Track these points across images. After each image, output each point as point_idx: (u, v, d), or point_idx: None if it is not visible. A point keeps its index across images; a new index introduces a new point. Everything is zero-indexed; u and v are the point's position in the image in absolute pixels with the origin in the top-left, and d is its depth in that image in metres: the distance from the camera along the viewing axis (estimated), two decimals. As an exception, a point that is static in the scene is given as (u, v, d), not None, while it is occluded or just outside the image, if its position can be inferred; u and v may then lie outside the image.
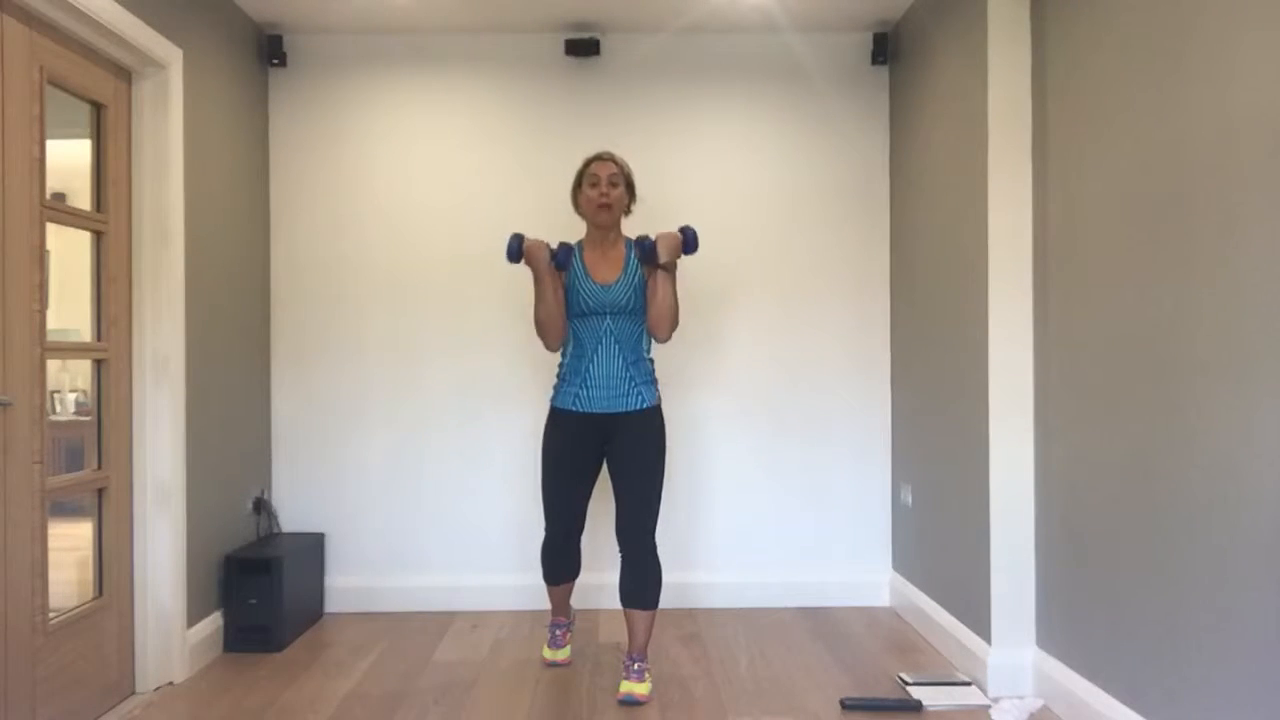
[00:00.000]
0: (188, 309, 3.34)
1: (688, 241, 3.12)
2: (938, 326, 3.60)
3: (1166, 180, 2.35)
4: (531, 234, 4.14)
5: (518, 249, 3.09)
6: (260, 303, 4.06)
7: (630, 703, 3.02)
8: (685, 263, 4.12)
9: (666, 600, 4.11)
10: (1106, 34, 2.63)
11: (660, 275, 3.10)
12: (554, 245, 3.15)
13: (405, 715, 2.95)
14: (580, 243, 3.23)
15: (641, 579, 3.09)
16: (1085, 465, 2.76)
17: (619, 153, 4.07)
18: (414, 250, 4.19)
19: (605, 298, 3.12)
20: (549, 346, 3.19)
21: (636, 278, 3.15)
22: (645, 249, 3.09)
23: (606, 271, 3.15)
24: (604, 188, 3.12)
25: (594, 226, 3.18)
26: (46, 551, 2.66)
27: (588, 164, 3.18)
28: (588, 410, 3.12)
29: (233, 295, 3.76)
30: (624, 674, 3.10)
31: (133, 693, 3.15)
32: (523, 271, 4.12)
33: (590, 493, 3.23)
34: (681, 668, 3.37)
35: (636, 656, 3.10)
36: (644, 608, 3.09)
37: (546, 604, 4.03)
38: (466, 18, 4.01)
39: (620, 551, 3.13)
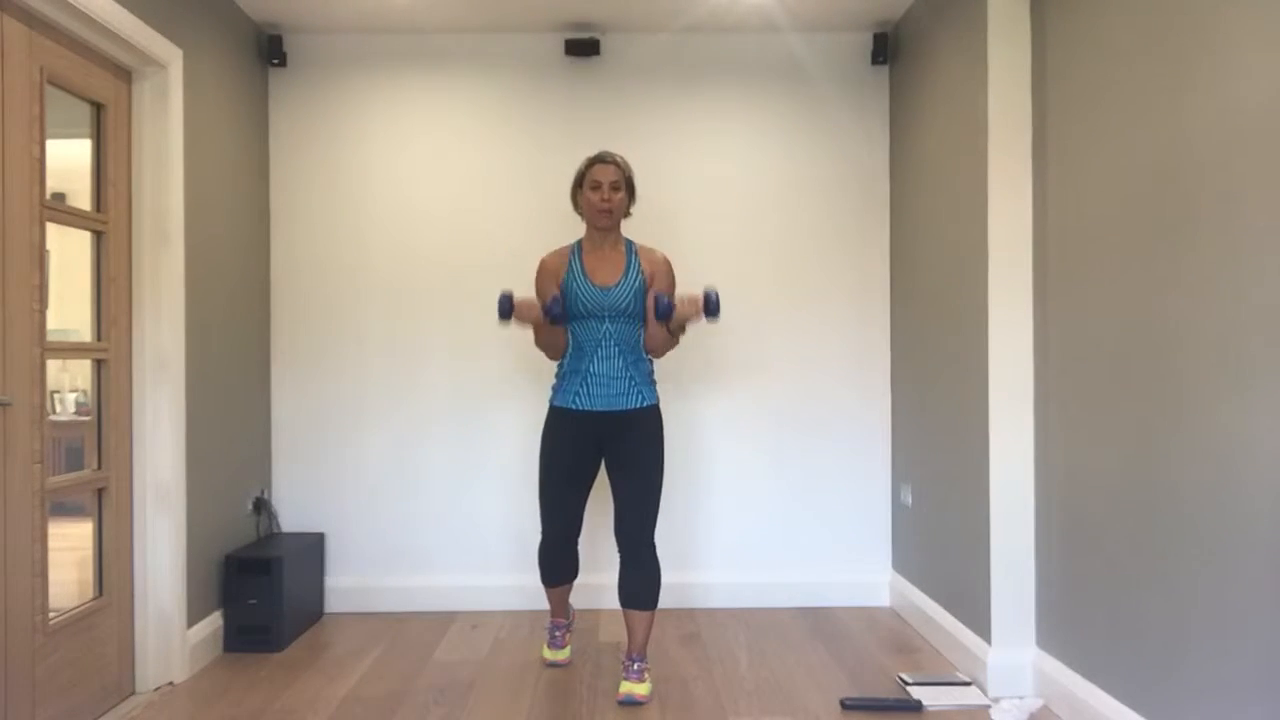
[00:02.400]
0: (188, 309, 3.34)
1: (709, 306, 2.96)
2: (938, 326, 3.60)
3: (1166, 179, 2.35)
4: (531, 234, 4.15)
5: (508, 309, 2.98)
6: (260, 303, 4.06)
7: (630, 703, 3.02)
8: (685, 262, 4.14)
9: (666, 600, 4.11)
10: (1106, 33, 2.63)
11: (661, 330, 3.09)
12: (547, 301, 3.05)
13: (405, 715, 2.95)
14: (579, 242, 3.22)
15: (640, 579, 3.08)
16: (1085, 465, 2.76)
17: (618, 150, 4.11)
18: (414, 250, 4.19)
19: (605, 301, 3.09)
20: (551, 358, 3.24)
21: (637, 281, 3.13)
22: (660, 308, 3.00)
23: (606, 274, 3.13)
24: (605, 193, 3.10)
25: (594, 230, 3.17)
26: (46, 551, 2.66)
27: (589, 165, 3.14)
28: (587, 409, 3.11)
29: (233, 295, 3.76)
30: (623, 674, 3.10)
31: (133, 693, 3.15)
32: (524, 271, 4.14)
33: (588, 493, 3.22)
34: (681, 668, 3.37)
35: (636, 657, 3.09)
36: (643, 608, 3.09)
37: (546, 604, 4.04)
38: (466, 18, 4.01)
39: (619, 552, 3.12)
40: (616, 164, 3.13)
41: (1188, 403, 2.27)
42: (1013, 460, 3.10)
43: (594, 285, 3.11)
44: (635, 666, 3.09)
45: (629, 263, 3.16)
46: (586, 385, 3.11)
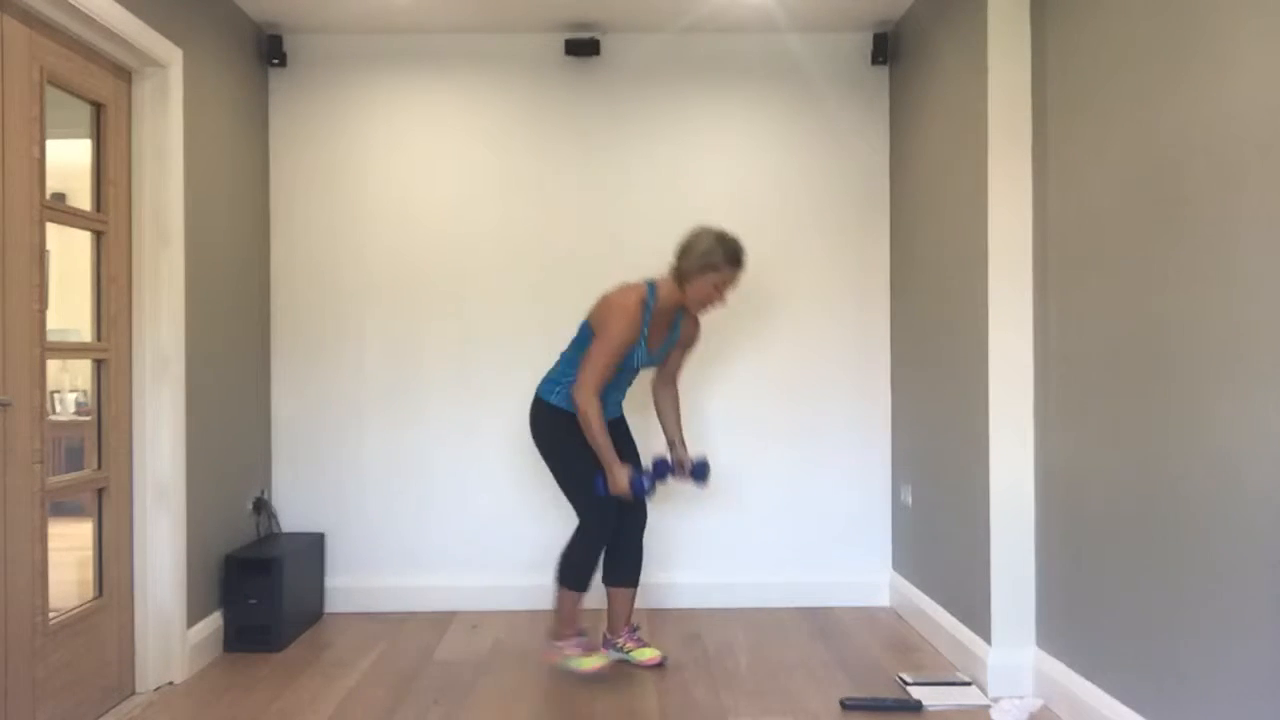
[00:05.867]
0: (188, 309, 3.34)
1: (696, 473, 3.33)
2: (938, 326, 3.60)
3: (1166, 179, 2.35)
4: (531, 233, 4.16)
5: (653, 486, 3.18)
6: (260, 303, 4.06)
7: (655, 666, 3.33)
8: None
9: (667, 600, 4.12)
10: (1107, 33, 2.63)
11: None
12: (652, 465, 3.31)
13: (405, 715, 2.95)
14: (651, 299, 3.15)
15: (637, 559, 3.38)
16: (1085, 465, 2.76)
17: (618, 150, 4.16)
18: (413, 250, 4.18)
19: (649, 362, 3.28)
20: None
21: (675, 336, 3.31)
22: (699, 472, 3.29)
23: (658, 335, 3.25)
24: (725, 295, 3.16)
25: (678, 303, 3.22)
26: (46, 551, 2.66)
27: (730, 264, 3.09)
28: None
29: (233, 295, 3.76)
30: (632, 644, 3.34)
31: (133, 693, 3.15)
32: (522, 273, 4.14)
33: None
34: (681, 668, 3.37)
35: (634, 626, 3.42)
36: (636, 585, 3.39)
37: (545, 605, 4.05)
38: (466, 18, 4.01)
39: (620, 535, 3.29)
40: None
41: (1188, 402, 2.27)
42: (1013, 460, 3.10)
43: (648, 350, 3.23)
44: (636, 635, 3.40)
45: (675, 326, 3.29)
46: (605, 405, 3.27)
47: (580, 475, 3.19)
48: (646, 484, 3.11)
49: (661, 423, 3.46)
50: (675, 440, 3.43)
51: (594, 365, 3.08)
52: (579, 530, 3.22)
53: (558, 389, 3.24)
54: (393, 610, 4.14)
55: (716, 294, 3.13)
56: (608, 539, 3.24)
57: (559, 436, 3.22)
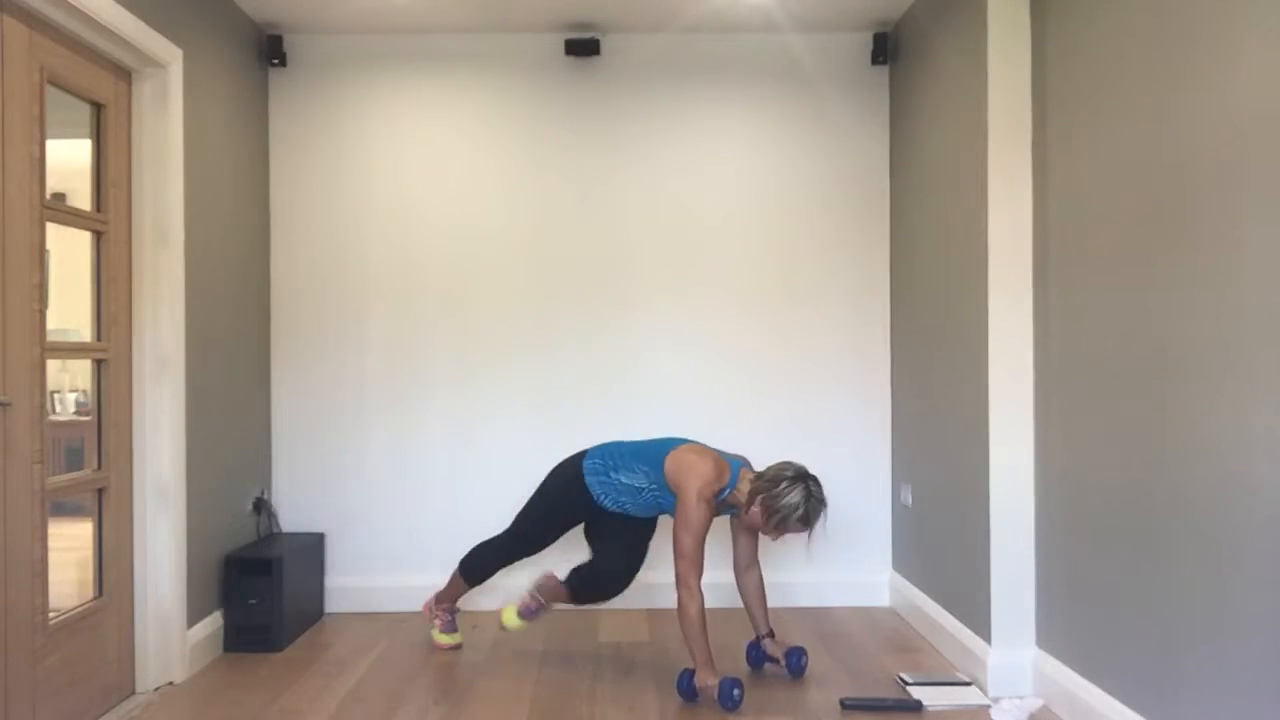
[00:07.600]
0: (188, 309, 3.34)
1: (792, 666, 3.26)
2: (938, 326, 3.60)
3: (1166, 179, 2.35)
4: (531, 233, 4.16)
5: (692, 694, 3.03)
6: (260, 303, 4.06)
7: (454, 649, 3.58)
8: (686, 262, 4.16)
9: (667, 601, 4.12)
10: (1107, 33, 2.63)
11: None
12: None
13: (405, 715, 2.95)
14: (732, 483, 3.14)
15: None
16: (1085, 465, 2.76)
17: (618, 150, 4.17)
18: (413, 250, 4.18)
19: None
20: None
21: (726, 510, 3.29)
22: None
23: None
24: (776, 538, 3.14)
25: (740, 519, 3.24)
26: (46, 551, 2.66)
27: (803, 524, 3.05)
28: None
29: (233, 295, 3.76)
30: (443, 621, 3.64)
31: (133, 693, 3.15)
32: (522, 273, 4.15)
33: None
34: (681, 666, 3.36)
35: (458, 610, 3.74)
36: (479, 583, 3.62)
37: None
38: (466, 18, 4.01)
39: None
40: None
41: (1188, 402, 2.27)
42: (1013, 460, 3.10)
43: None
44: (455, 616, 3.69)
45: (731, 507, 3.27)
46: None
47: (609, 547, 3.35)
48: (739, 694, 2.91)
49: (749, 613, 3.34)
50: (763, 633, 3.32)
51: (690, 560, 3.01)
52: (591, 568, 3.33)
53: (602, 483, 3.27)
54: (393, 610, 4.14)
55: (771, 532, 3.10)
56: (616, 592, 3.29)
57: (577, 508, 3.34)
